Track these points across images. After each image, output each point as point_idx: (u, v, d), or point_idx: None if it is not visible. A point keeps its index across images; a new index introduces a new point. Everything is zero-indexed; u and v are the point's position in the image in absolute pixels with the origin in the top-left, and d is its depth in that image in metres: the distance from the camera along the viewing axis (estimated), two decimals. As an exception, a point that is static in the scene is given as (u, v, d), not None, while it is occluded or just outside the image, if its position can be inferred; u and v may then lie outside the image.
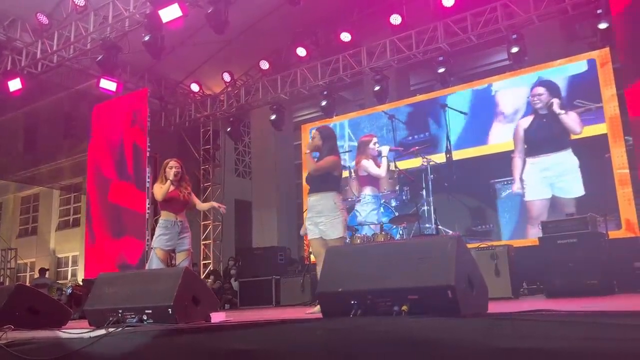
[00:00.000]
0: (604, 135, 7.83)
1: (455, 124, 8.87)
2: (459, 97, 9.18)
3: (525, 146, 8.44)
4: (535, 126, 8.40)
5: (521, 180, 8.39)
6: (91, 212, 10.75)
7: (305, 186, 5.46)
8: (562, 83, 8.30)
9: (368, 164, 7.55)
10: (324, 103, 10.27)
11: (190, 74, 12.03)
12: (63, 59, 9.54)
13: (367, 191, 7.58)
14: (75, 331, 2.94)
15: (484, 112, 8.99)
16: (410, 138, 9.49)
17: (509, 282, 5.92)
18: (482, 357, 1.82)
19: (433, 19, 9.16)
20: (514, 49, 8.42)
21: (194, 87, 12.13)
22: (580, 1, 8.10)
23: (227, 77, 11.62)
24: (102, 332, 2.71)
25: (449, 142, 7.50)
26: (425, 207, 7.77)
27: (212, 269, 11.96)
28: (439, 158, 7.88)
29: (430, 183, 7.68)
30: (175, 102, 12.49)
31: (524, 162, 8.41)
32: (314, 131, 4.78)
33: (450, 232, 8.04)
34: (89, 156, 11.04)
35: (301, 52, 10.37)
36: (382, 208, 7.74)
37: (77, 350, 2.63)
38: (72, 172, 14.98)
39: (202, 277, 11.38)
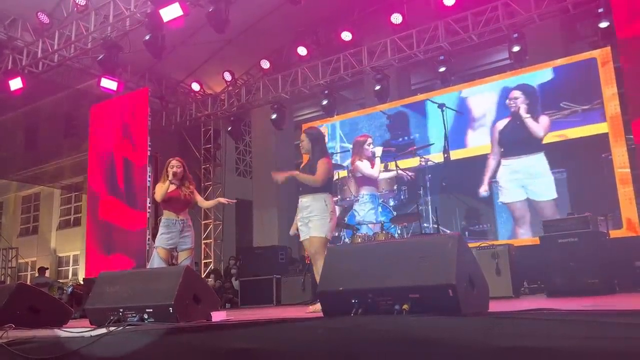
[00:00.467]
0: (595, 137, 7.88)
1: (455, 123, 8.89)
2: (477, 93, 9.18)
3: (502, 149, 8.53)
4: (510, 128, 8.52)
5: (495, 182, 8.47)
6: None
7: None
8: (552, 85, 8.35)
9: (362, 165, 7.58)
10: (324, 102, 10.27)
11: (191, 73, 12.04)
12: (64, 58, 9.55)
13: (365, 191, 7.60)
14: (76, 330, 2.93)
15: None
16: (400, 139, 9.50)
17: (509, 281, 5.91)
18: (483, 356, 1.82)
19: (434, 18, 9.16)
20: (515, 48, 8.41)
21: (195, 87, 12.14)
22: (581, 0, 8.08)
23: (228, 76, 11.62)
24: (103, 331, 2.71)
25: (447, 142, 7.51)
26: (423, 207, 7.79)
27: (212, 268, 11.97)
28: (437, 158, 7.91)
29: (428, 182, 7.70)
30: (176, 101, 12.49)
31: (498, 164, 8.50)
32: (303, 134, 4.79)
33: (448, 231, 8.06)
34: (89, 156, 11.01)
35: (302, 51, 10.37)
36: (380, 207, 7.75)
37: (77, 349, 2.63)
38: (72, 172, 15.00)
39: (203, 276, 11.38)
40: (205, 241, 12.53)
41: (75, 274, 17.02)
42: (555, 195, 7.96)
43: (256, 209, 13.92)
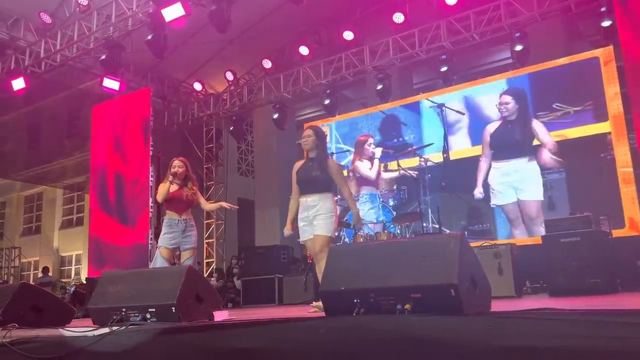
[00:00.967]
0: (593, 137, 7.88)
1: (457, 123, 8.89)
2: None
3: (492, 151, 8.54)
4: (501, 131, 8.53)
5: (487, 184, 8.48)
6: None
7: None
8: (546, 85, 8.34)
9: (361, 166, 7.60)
10: (326, 102, 10.26)
11: (193, 73, 12.05)
12: (66, 58, 9.56)
13: (365, 190, 7.61)
14: (79, 329, 2.94)
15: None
16: (395, 140, 9.50)
17: (512, 280, 5.90)
18: (486, 355, 1.82)
19: (436, 18, 9.15)
20: (518, 47, 8.39)
21: (197, 86, 12.15)
22: (584, -1, 8.07)
23: (230, 76, 11.62)
24: (105, 330, 2.71)
25: (446, 142, 7.51)
26: (423, 207, 7.80)
27: (215, 267, 11.98)
28: (436, 158, 7.90)
29: (427, 182, 7.71)
30: (178, 101, 12.51)
31: (489, 166, 8.50)
32: (309, 130, 4.71)
33: (448, 231, 8.07)
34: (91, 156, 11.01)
35: (304, 50, 10.37)
36: (380, 207, 7.76)
37: (80, 349, 2.63)
38: (75, 171, 15.03)
39: (205, 275, 11.39)
40: (207, 241, 12.54)
41: (77, 273, 17.07)
42: (542, 198, 8.01)
43: (258, 208, 13.92)
